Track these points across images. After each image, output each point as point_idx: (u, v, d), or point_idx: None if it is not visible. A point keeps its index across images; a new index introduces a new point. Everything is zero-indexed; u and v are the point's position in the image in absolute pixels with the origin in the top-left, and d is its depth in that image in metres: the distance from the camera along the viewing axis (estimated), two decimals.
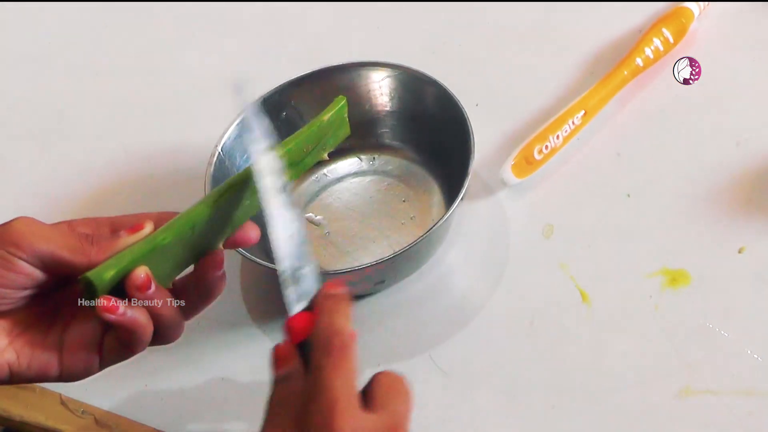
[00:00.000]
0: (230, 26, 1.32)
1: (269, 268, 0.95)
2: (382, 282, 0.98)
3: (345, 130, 0.86)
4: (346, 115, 0.85)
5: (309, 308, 0.72)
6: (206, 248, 0.76)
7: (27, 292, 0.73)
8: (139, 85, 1.27)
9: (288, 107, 1.06)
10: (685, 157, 1.05)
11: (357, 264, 0.97)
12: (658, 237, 0.99)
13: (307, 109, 1.07)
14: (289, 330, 0.71)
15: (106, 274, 0.71)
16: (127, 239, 0.73)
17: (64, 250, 0.72)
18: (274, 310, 1.01)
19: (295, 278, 0.73)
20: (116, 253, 0.72)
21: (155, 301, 0.73)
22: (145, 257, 0.72)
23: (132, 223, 0.75)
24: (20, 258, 0.71)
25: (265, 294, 1.03)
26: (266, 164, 0.75)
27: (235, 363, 0.99)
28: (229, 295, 1.03)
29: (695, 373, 0.89)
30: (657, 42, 1.12)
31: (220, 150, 1.02)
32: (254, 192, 0.77)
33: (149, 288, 0.72)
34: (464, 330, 0.96)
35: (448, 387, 0.93)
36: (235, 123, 1.04)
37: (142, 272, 0.72)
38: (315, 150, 0.82)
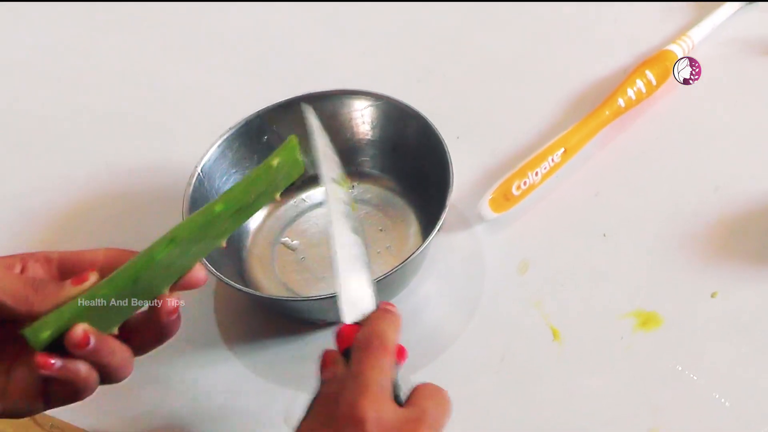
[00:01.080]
0: (215, 48, 1.32)
1: (243, 291, 0.95)
2: None
3: (298, 170, 0.84)
4: (298, 156, 0.83)
5: (359, 323, 0.76)
6: (153, 294, 0.75)
7: None
8: (123, 101, 1.27)
9: (269, 132, 1.07)
10: (662, 200, 1.05)
11: (331, 291, 0.97)
12: (632, 278, 0.99)
13: (289, 133, 1.06)
14: (338, 337, 0.76)
15: (43, 333, 0.71)
16: (70, 290, 0.73)
17: (7, 296, 0.72)
18: (247, 333, 1.01)
19: (350, 292, 0.77)
20: (59, 304, 0.72)
21: (97, 353, 0.73)
22: (85, 312, 0.72)
23: (81, 266, 0.75)
24: None
25: (239, 316, 1.03)
26: (336, 191, 0.81)
27: (207, 383, 0.98)
28: (203, 316, 1.03)
29: (663, 416, 0.89)
30: (640, 84, 1.13)
31: (199, 171, 1.02)
32: (202, 239, 0.77)
33: (87, 345, 0.71)
34: (435, 362, 0.96)
35: None
36: (216, 144, 1.04)
37: (79, 330, 0.71)
38: (266, 192, 0.81)
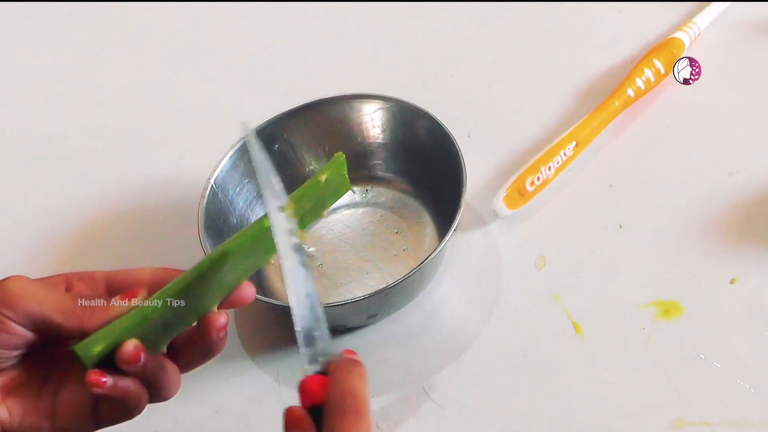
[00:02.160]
0: (222, 59, 1.32)
1: (263, 301, 0.95)
2: (375, 316, 0.98)
3: (345, 187, 0.83)
4: (345, 172, 0.83)
5: (323, 371, 0.71)
6: (202, 311, 0.75)
7: (19, 351, 0.73)
8: (132, 117, 1.27)
9: (280, 140, 1.07)
10: (677, 188, 1.05)
11: (350, 296, 0.97)
12: (651, 268, 0.99)
13: (300, 141, 1.07)
14: (303, 392, 0.70)
15: (94, 349, 0.70)
16: (120, 307, 0.72)
17: (56, 313, 0.71)
18: (269, 343, 1.01)
19: (310, 339, 0.73)
20: (108, 321, 0.72)
21: (147, 370, 0.72)
22: (135, 328, 0.72)
23: (127, 284, 0.75)
24: (13, 320, 0.70)
25: (260, 327, 1.03)
26: (281, 222, 0.74)
27: (229, 395, 0.98)
28: None
29: (688, 405, 0.89)
30: (648, 73, 1.12)
31: (212, 182, 1.02)
32: (251, 254, 0.76)
33: (138, 361, 0.71)
34: (457, 362, 0.96)
35: (442, 419, 0.93)
36: (228, 156, 1.04)
37: (130, 345, 0.70)
38: (313, 209, 0.81)
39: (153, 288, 0.74)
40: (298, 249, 0.74)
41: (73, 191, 1.19)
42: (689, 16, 1.19)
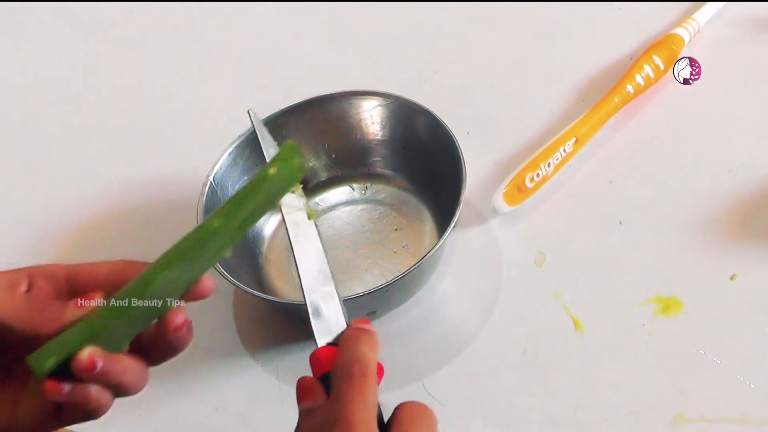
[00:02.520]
0: (221, 56, 1.32)
1: (262, 298, 0.95)
2: (374, 312, 0.98)
3: (301, 173, 0.80)
4: (298, 159, 0.77)
5: (334, 343, 0.72)
6: (159, 312, 0.73)
7: None
8: (131, 115, 1.27)
9: (279, 137, 1.06)
10: (676, 185, 1.05)
11: (350, 293, 0.97)
12: (651, 265, 0.99)
13: (299, 138, 1.07)
14: (314, 362, 0.71)
15: (48, 361, 0.69)
16: (74, 311, 0.71)
17: (12, 319, 0.70)
18: (268, 341, 1.01)
19: (320, 311, 0.73)
20: (64, 326, 0.70)
21: (106, 375, 0.70)
22: (91, 334, 0.70)
23: (87, 281, 0.73)
24: None
25: (258, 323, 1.03)
26: (293, 198, 0.76)
27: (229, 393, 0.98)
28: (223, 325, 1.03)
29: (689, 401, 0.89)
30: (648, 69, 1.12)
31: (211, 180, 1.02)
32: (204, 254, 0.74)
33: (94, 369, 0.69)
34: (457, 359, 0.96)
35: (442, 416, 0.91)
36: (227, 152, 1.04)
37: (85, 354, 0.69)
38: (265, 201, 0.79)
39: (113, 281, 0.73)
40: (305, 224, 0.76)
41: (72, 189, 1.19)
42: (689, 13, 1.19)
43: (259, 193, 0.76)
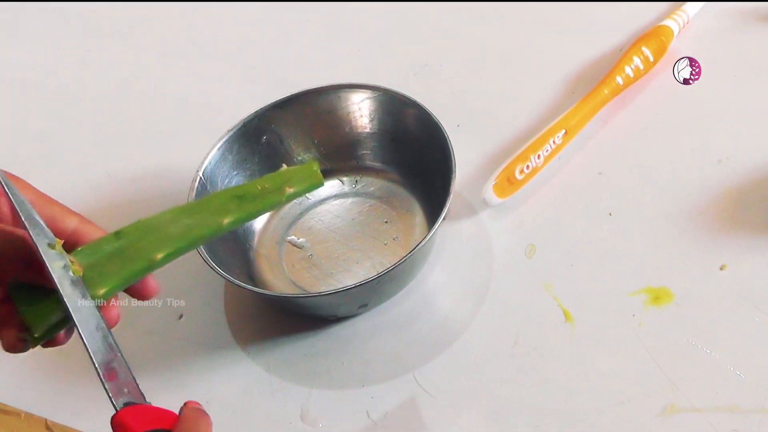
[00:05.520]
0: (210, 51, 1.32)
1: (253, 291, 0.95)
2: (365, 305, 0.98)
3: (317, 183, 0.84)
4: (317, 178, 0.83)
5: (131, 402, 0.70)
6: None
7: None
8: (122, 110, 1.28)
9: (268, 131, 1.07)
10: (666, 176, 1.05)
11: (341, 286, 0.97)
12: (641, 255, 0.99)
13: (288, 132, 1.07)
14: (119, 427, 0.68)
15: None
16: None
17: None
18: (259, 334, 1.01)
19: (111, 370, 0.70)
20: None
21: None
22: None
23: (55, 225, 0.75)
24: None
25: (250, 317, 1.03)
26: (55, 259, 0.72)
27: (221, 385, 0.98)
28: (214, 318, 1.03)
29: (679, 391, 0.89)
30: (637, 61, 1.12)
31: (201, 174, 1.02)
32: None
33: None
34: (448, 350, 0.96)
35: (433, 408, 0.93)
36: (216, 147, 1.04)
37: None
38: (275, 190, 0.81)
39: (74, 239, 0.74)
40: (77, 283, 0.72)
41: (63, 184, 1.19)
42: (678, 4, 1.19)
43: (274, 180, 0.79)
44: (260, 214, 0.83)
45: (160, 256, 0.75)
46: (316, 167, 0.81)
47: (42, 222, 0.73)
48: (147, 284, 0.76)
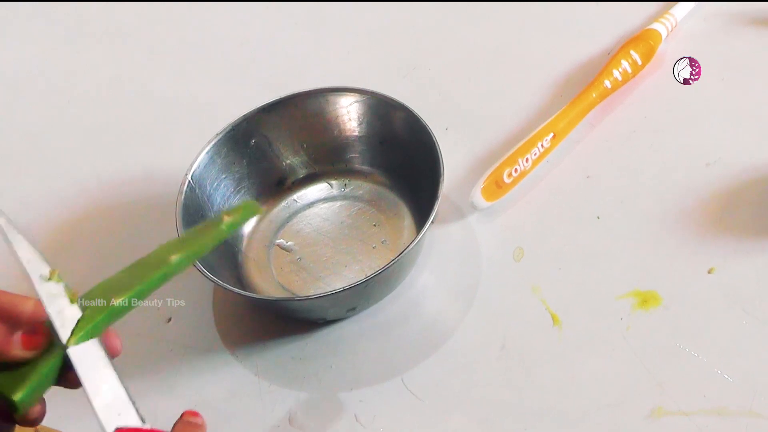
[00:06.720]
0: (198, 54, 1.32)
1: (242, 294, 0.95)
2: (354, 308, 0.98)
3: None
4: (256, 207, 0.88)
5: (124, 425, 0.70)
6: None
7: None
8: (110, 113, 1.27)
9: (256, 134, 1.07)
10: (654, 179, 1.05)
11: (329, 289, 0.97)
12: (629, 259, 0.99)
13: (276, 136, 1.07)
14: None
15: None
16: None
17: None
18: (247, 337, 1.01)
19: (107, 398, 0.71)
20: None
21: None
22: None
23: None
24: None
25: (238, 320, 1.03)
26: (49, 290, 0.72)
27: (209, 389, 0.98)
28: (202, 322, 1.03)
29: (667, 394, 0.89)
30: (625, 64, 1.13)
31: (190, 178, 1.02)
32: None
33: None
34: (436, 354, 0.96)
35: (421, 411, 0.93)
36: (205, 151, 1.04)
37: None
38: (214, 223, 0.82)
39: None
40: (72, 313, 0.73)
41: (51, 186, 1.19)
42: (666, 7, 1.19)
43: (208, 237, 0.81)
44: (206, 251, 0.82)
45: (118, 300, 0.75)
46: (253, 202, 0.83)
47: (35, 252, 0.74)
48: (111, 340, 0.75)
